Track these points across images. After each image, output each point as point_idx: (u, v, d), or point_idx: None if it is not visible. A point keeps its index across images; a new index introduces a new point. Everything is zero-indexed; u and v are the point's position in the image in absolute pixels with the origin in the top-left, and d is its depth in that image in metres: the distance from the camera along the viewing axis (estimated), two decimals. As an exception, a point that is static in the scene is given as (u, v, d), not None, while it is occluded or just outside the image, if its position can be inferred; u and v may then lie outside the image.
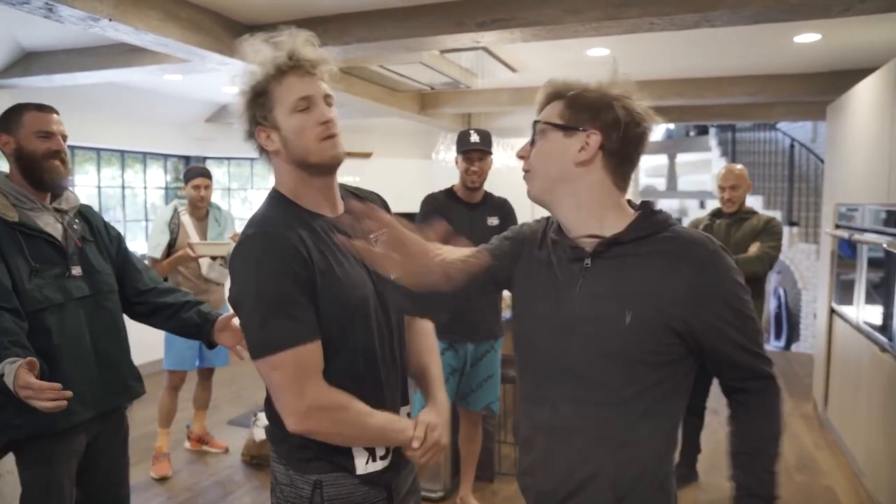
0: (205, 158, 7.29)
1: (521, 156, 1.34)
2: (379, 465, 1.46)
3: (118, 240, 2.21)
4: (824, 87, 5.03)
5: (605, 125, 1.25)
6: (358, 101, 5.35)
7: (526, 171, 1.33)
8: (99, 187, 6.34)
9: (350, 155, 7.91)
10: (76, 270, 1.98)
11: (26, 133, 1.95)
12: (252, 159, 7.79)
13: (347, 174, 7.79)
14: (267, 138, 1.43)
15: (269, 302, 1.31)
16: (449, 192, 3.25)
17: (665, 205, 11.67)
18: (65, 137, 2.02)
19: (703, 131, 11.78)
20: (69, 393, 1.58)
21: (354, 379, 1.41)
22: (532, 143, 1.32)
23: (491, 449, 3.76)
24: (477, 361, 3.23)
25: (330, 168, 1.43)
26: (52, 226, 1.97)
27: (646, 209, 1.31)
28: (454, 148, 3.31)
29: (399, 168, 7.46)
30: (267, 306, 1.31)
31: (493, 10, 3.43)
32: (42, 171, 1.96)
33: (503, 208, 3.31)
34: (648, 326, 1.21)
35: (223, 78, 5.31)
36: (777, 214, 8.42)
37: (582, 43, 4.34)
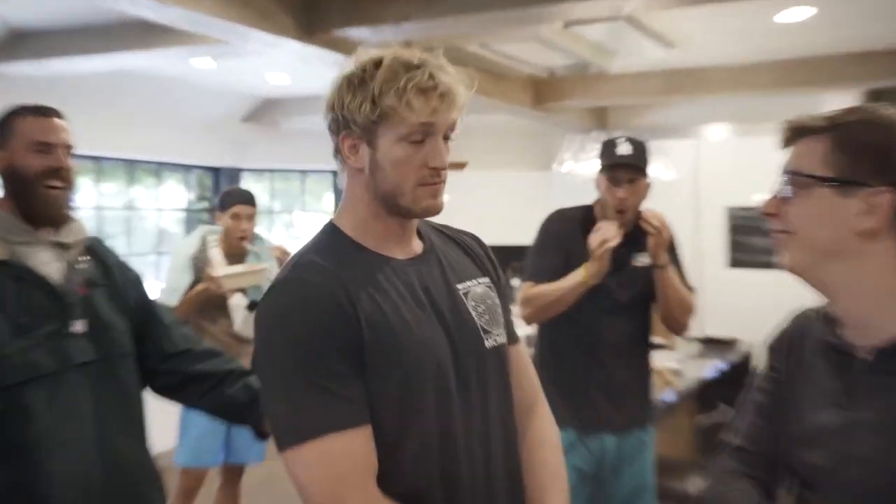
0: (240, 170, 7.53)
1: (770, 212, 1.32)
2: None
3: (137, 284, 2.22)
4: None
5: None
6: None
7: (780, 232, 1.32)
8: (97, 208, 6.50)
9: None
10: (79, 326, 1.96)
11: (20, 145, 1.98)
12: (303, 171, 7.99)
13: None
14: (352, 148, 1.45)
15: (298, 371, 1.33)
16: (587, 214, 3.14)
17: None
18: (69, 149, 2.06)
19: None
20: None
21: (425, 483, 1.40)
22: (783, 196, 1.30)
23: None
24: (621, 464, 3.15)
25: (418, 216, 1.49)
26: (49, 265, 1.97)
27: None
28: (587, 157, 3.21)
29: (504, 183, 7.45)
30: (295, 377, 1.33)
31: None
32: (34, 197, 1.98)
33: None
34: None
35: (270, 63, 5.46)
36: None
37: (769, 4, 4.28)
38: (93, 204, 6.52)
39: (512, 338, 1.63)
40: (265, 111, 7.25)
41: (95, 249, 2.14)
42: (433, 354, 1.41)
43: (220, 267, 3.82)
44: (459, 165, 7.90)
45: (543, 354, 3.05)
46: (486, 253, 1.66)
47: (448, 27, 3.96)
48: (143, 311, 2.17)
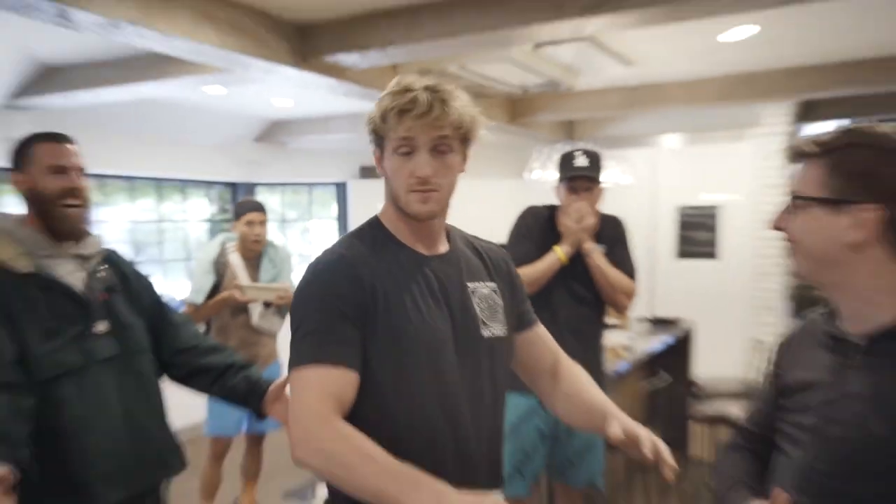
0: (255, 185, 7.46)
1: (778, 227, 1.37)
2: None
3: (150, 289, 2.25)
4: None
5: (884, 194, 1.25)
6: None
7: (787, 241, 1.37)
8: (133, 222, 6.53)
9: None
10: (101, 326, 2.01)
11: (38, 169, 2.00)
12: (311, 184, 7.87)
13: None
14: (378, 160, 1.58)
15: (313, 318, 1.46)
16: (552, 211, 3.14)
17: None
18: (81, 170, 2.06)
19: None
20: None
21: (410, 432, 1.48)
22: (787, 212, 1.36)
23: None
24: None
25: (415, 219, 1.55)
26: (71, 274, 2.00)
27: None
28: (553, 166, 3.22)
29: (483, 190, 7.35)
30: (310, 321, 1.46)
31: (601, -12, 3.27)
32: (54, 217, 2.00)
33: (614, 231, 3.19)
34: None
35: (274, 89, 5.36)
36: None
37: (717, 24, 4.11)
38: (129, 218, 6.55)
39: (528, 322, 1.75)
40: (273, 132, 7.17)
41: (112, 259, 2.18)
42: (432, 332, 1.50)
43: (244, 280, 3.96)
44: (447, 175, 7.79)
45: None
46: (507, 266, 1.74)
47: (427, 51, 3.80)
48: (156, 313, 2.22)
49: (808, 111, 6.50)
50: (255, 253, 4.04)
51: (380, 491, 1.29)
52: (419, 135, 1.47)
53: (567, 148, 3.19)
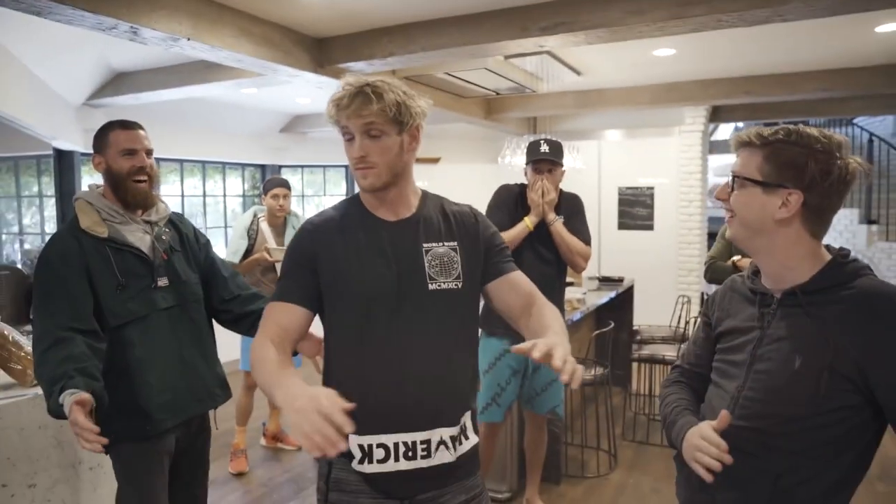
0: (280, 167, 7.44)
1: (720, 197, 1.37)
2: (376, 468, 1.45)
3: (206, 247, 2.21)
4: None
5: (807, 183, 1.25)
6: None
7: (728, 212, 1.36)
8: (182, 196, 6.56)
9: (418, 161, 8.03)
10: (162, 281, 1.99)
11: (113, 152, 1.97)
12: (325, 166, 7.91)
13: (416, 179, 7.84)
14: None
15: (284, 266, 1.54)
16: (522, 188, 3.14)
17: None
18: (150, 152, 2.02)
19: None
20: (105, 440, 1.59)
21: (348, 363, 1.48)
22: (731, 187, 1.35)
23: (557, 451, 3.69)
24: (540, 363, 3.16)
25: (365, 190, 1.52)
26: (140, 239, 1.99)
27: (836, 259, 1.31)
28: (521, 153, 3.24)
29: (466, 172, 7.43)
30: (282, 269, 1.55)
31: (556, 13, 3.36)
32: (126, 190, 1.98)
33: (572, 205, 3.19)
34: (816, 372, 1.23)
35: (297, 89, 5.40)
36: (854, 212, 7.97)
37: (647, 43, 4.22)
38: (178, 194, 6.56)
39: (498, 272, 1.60)
40: (295, 124, 7.17)
41: (175, 223, 2.15)
42: (366, 282, 1.47)
43: (272, 243, 3.94)
44: (434, 160, 7.84)
45: None
46: (476, 226, 1.61)
47: (419, 60, 3.86)
48: (208, 267, 2.18)
49: (717, 114, 6.64)
50: (280, 221, 4.01)
51: (265, 386, 1.32)
52: (350, 123, 1.43)
53: (532, 138, 3.23)
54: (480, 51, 3.68)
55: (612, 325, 3.88)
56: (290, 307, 1.47)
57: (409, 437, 1.44)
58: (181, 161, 6.49)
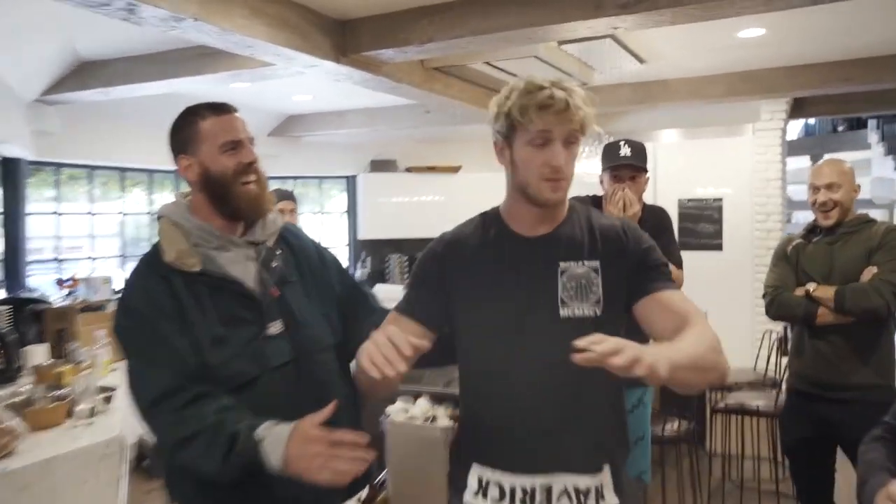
0: (268, 178, 7.32)
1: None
2: None
3: (337, 269, 1.95)
4: None
5: None
6: (455, 104, 5.29)
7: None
8: (150, 213, 6.45)
9: (435, 170, 7.95)
10: (274, 327, 1.71)
11: (210, 148, 1.71)
12: (321, 178, 7.80)
13: (430, 192, 7.79)
14: (501, 151, 1.65)
15: (409, 280, 1.77)
16: (597, 202, 3.06)
17: (807, 217, 11.19)
18: (253, 141, 1.79)
19: (856, 125, 11.29)
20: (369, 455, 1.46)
21: (486, 404, 1.66)
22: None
23: (644, 528, 3.54)
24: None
25: (545, 205, 1.61)
26: (243, 269, 1.73)
27: None
28: (597, 157, 3.19)
29: (492, 182, 7.32)
30: (408, 281, 1.77)
31: (640, -13, 3.28)
32: (233, 197, 1.71)
33: (658, 220, 3.17)
34: None
35: (297, 85, 5.34)
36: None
37: (732, 23, 4.15)
38: (146, 210, 6.48)
39: (645, 291, 1.62)
40: (288, 126, 7.12)
41: (289, 240, 1.86)
42: (494, 313, 1.62)
43: None
44: (454, 169, 7.76)
45: None
46: (624, 241, 1.66)
47: (467, 46, 3.79)
48: (348, 297, 1.91)
49: (800, 107, 6.58)
50: None
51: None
52: (555, 128, 1.53)
53: (611, 139, 3.16)
54: (542, 34, 3.62)
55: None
56: (400, 318, 1.67)
57: (528, 482, 1.56)
58: (150, 171, 6.42)
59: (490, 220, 1.70)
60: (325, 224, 7.97)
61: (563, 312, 1.57)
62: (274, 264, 1.78)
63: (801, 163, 11.28)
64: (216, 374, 1.62)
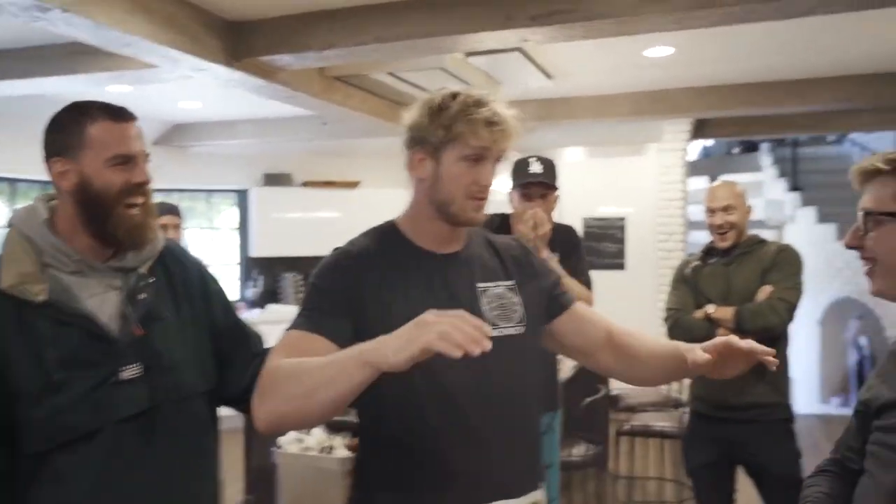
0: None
1: (853, 245, 1.36)
2: None
3: (222, 303, 1.75)
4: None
5: None
6: (355, 116, 5.19)
7: (866, 262, 1.35)
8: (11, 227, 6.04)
9: (332, 185, 7.81)
10: (130, 371, 1.50)
11: (95, 158, 1.50)
12: (210, 191, 7.54)
13: (327, 209, 7.64)
14: (420, 161, 1.55)
15: (310, 296, 1.54)
16: (505, 221, 3.03)
17: (701, 237, 11.61)
18: (148, 157, 1.59)
19: (750, 148, 11.79)
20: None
21: (419, 433, 1.50)
22: (864, 229, 1.33)
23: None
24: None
25: (465, 224, 1.58)
26: (100, 300, 1.52)
27: None
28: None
29: (393, 200, 7.22)
30: (308, 298, 1.54)
31: (551, 0, 3.27)
32: (115, 222, 1.51)
33: (568, 238, 3.12)
34: None
35: (183, 91, 5.14)
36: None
37: (639, 41, 4.23)
38: (4, 224, 5.97)
39: (562, 305, 1.70)
40: (174, 135, 6.86)
41: (167, 265, 1.65)
42: None
43: None
44: (352, 184, 7.64)
45: None
46: (526, 258, 1.71)
47: (370, 54, 3.72)
48: (228, 334, 1.72)
49: (702, 128, 6.82)
50: None
51: (323, 381, 1.29)
52: (493, 146, 1.50)
53: (519, 155, 3.13)
54: (450, 44, 3.59)
55: (603, 391, 3.79)
56: (314, 338, 1.46)
57: None
58: (13, 180, 6.09)
59: (389, 236, 1.60)
60: (213, 240, 7.72)
61: (494, 332, 1.48)
62: (142, 296, 1.56)
63: (701, 183, 11.74)
64: (42, 427, 1.42)
